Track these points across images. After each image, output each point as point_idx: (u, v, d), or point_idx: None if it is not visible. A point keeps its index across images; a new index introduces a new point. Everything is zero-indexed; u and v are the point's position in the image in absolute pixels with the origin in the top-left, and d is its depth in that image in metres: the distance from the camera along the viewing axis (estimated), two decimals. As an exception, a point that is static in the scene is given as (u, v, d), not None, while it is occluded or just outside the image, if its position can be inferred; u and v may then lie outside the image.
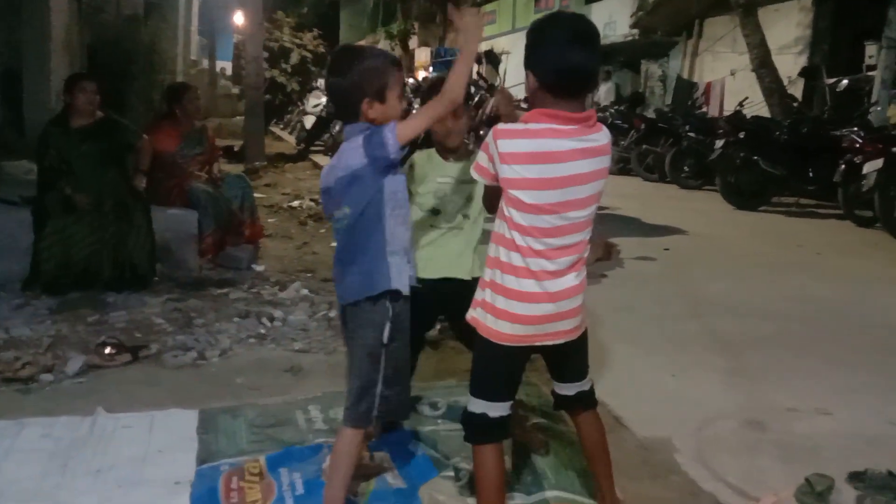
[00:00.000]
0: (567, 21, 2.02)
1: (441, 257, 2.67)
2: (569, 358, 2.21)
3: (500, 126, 1.98)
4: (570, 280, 2.03)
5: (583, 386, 2.26)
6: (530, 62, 1.99)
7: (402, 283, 2.19)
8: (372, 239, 2.15)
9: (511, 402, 2.13)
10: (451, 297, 2.65)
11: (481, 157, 2.02)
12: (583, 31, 1.98)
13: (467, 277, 2.68)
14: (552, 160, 1.93)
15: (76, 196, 4.67)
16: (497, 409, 2.08)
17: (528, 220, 1.96)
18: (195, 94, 5.79)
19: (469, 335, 2.86)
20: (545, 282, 1.99)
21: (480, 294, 2.08)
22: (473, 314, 2.10)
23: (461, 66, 2.11)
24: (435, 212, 2.69)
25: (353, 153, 2.13)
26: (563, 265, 2.01)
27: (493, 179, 2.00)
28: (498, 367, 2.09)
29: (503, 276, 2.00)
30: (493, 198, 2.07)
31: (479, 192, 2.67)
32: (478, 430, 2.10)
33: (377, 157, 2.09)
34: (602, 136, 2.02)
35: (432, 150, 2.75)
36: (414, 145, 2.65)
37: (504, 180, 1.95)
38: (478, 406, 2.08)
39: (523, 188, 1.94)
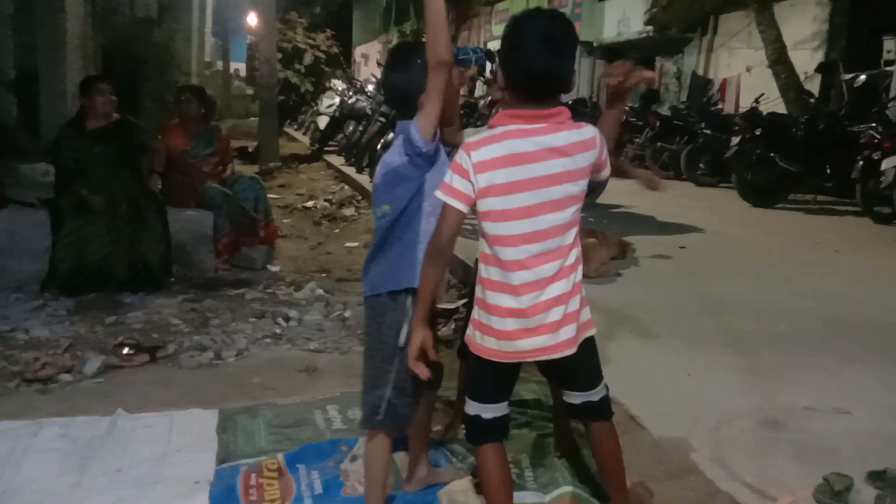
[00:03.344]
0: (539, 20, 1.94)
1: None
2: (571, 370, 2.11)
3: (469, 139, 1.93)
4: (554, 290, 1.94)
5: (590, 396, 2.14)
6: (501, 60, 1.97)
7: None
8: (406, 234, 2.15)
9: (506, 402, 2.11)
10: None
11: (455, 181, 1.90)
12: (553, 31, 1.91)
13: None
14: (521, 161, 1.89)
15: (91, 198, 4.70)
16: (490, 411, 2.07)
17: (503, 229, 1.91)
18: (187, 97, 5.74)
19: None
20: (525, 295, 1.92)
21: (475, 312, 2.03)
22: (468, 332, 2.07)
23: (429, 25, 2.02)
24: None
25: (395, 150, 2.17)
26: (543, 274, 1.93)
27: (468, 203, 1.90)
28: (487, 376, 2.07)
29: (485, 293, 1.97)
30: (453, 234, 1.95)
31: None
32: (474, 430, 2.11)
33: (411, 154, 2.12)
34: (574, 135, 1.93)
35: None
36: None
37: (479, 191, 1.89)
38: (472, 408, 2.09)
39: (495, 195, 1.89)
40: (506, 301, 1.94)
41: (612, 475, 2.20)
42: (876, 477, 2.52)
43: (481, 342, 2.00)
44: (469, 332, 2.06)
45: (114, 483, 2.51)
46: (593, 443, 2.21)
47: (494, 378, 2.08)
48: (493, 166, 1.88)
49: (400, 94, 2.22)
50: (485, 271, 1.97)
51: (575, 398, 2.15)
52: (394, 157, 2.16)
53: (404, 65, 2.19)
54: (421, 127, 2.08)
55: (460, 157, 1.91)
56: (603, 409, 2.17)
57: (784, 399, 3.24)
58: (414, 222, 2.14)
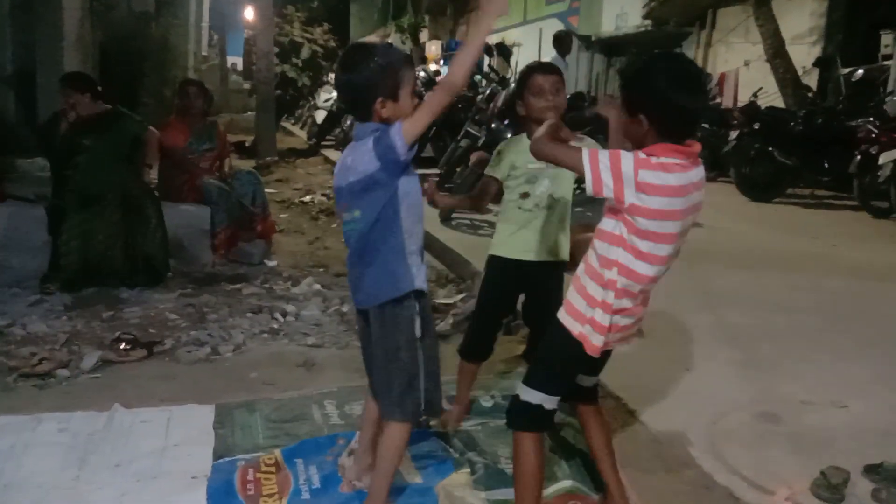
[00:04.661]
0: (685, 66, 2.05)
1: (531, 239, 2.72)
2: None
3: (643, 155, 1.95)
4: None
5: (597, 379, 2.37)
6: (645, 106, 1.98)
7: (423, 283, 2.21)
8: (390, 240, 2.14)
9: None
10: (535, 277, 2.74)
11: (605, 171, 1.94)
12: (696, 76, 2.06)
13: (558, 259, 2.76)
14: (679, 193, 1.98)
15: None
16: (552, 403, 2.16)
17: (652, 249, 2.00)
18: (193, 91, 5.73)
19: (538, 319, 2.84)
20: (638, 298, 2.09)
21: (589, 312, 2.06)
22: (581, 330, 2.08)
23: (467, 50, 2.08)
24: (524, 195, 2.72)
25: (364, 156, 2.11)
26: (651, 288, 2.11)
27: (599, 194, 1.96)
28: (576, 368, 2.20)
29: (618, 300, 2.03)
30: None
31: (562, 173, 2.66)
32: (530, 418, 2.16)
33: (388, 160, 2.07)
34: (702, 170, 2.07)
35: (522, 136, 2.74)
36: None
37: (633, 207, 1.95)
38: (537, 398, 2.13)
39: (650, 218, 1.96)
40: (634, 302, 2.08)
41: (609, 454, 2.35)
42: (872, 470, 2.53)
43: (598, 343, 2.06)
44: (586, 331, 2.07)
45: (114, 477, 2.52)
46: (591, 424, 2.36)
47: (576, 371, 2.22)
48: (656, 192, 1.94)
49: (356, 96, 2.16)
50: (622, 282, 2.02)
51: (590, 381, 2.34)
52: (366, 164, 2.10)
53: (358, 68, 2.12)
54: (406, 133, 2.05)
55: (628, 164, 1.93)
56: (597, 391, 2.41)
57: (781, 393, 3.25)
58: (395, 227, 2.13)
